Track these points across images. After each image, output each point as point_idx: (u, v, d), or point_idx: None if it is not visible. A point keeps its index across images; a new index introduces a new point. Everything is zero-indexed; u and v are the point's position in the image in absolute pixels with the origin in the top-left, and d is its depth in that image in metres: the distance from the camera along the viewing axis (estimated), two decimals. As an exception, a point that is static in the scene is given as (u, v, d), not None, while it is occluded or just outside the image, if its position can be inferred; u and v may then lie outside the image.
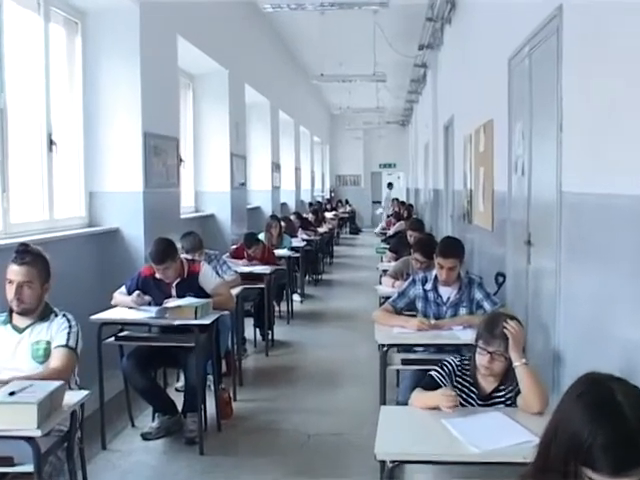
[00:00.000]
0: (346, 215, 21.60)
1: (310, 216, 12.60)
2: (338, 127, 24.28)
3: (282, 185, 13.20)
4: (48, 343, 2.98)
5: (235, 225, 8.63)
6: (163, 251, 4.24)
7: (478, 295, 3.90)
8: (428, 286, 3.96)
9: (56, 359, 2.92)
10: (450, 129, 10.66)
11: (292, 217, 10.54)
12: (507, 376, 2.68)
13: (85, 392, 2.84)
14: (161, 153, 6.07)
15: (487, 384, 2.73)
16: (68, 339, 2.98)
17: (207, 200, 8.57)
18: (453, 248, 3.94)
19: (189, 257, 4.92)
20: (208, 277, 4.46)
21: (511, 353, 2.64)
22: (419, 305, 4.00)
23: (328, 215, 16.29)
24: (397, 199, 20.05)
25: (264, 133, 11.75)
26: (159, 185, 6.01)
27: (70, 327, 3.02)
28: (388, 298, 4.17)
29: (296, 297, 9.18)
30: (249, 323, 6.77)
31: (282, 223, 8.66)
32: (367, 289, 8.51)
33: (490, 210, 6.47)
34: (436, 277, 3.94)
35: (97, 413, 4.10)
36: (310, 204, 16.89)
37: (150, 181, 5.79)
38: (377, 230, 14.00)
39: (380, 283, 5.66)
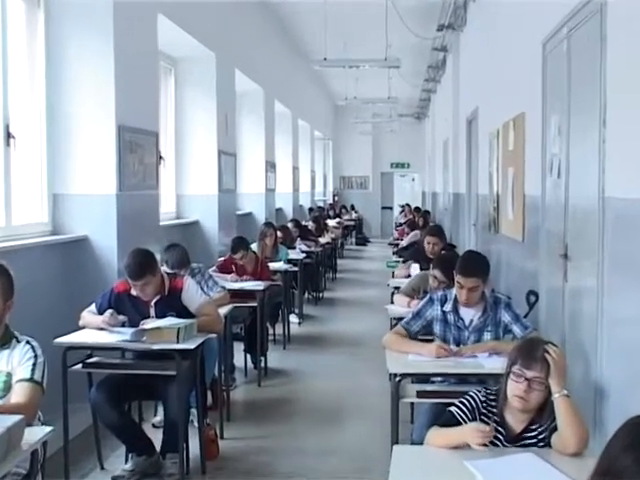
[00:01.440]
0: (352, 223, 21.66)
1: (310, 224, 12.64)
2: (343, 120, 24.38)
3: (278, 188, 13.23)
4: (9, 375, 2.95)
5: (223, 234, 8.65)
6: (141, 264, 4.24)
7: (506, 317, 3.90)
8: (448, 307, 3.97)
9: (19, 395, 2.87)
10: (474, 123, 10.69)
11: (289, 225, 10.57)
12: (542, 411, 2.68)
13: (48, 428, 2.82)
14: (138, 149, 6.09)
15: (517, 422, 2.73)
16: (33, 372, 2.93)
17: (191, 205, 8.59)
18: (475, 265, 3.94)
19: (169, 271, 4.93)
20: (192, 294, 4.47)
21: (551, 382, 2.65)
22: (437, 328, 4.00)
23: (331, 223, 16.32)
24: (409, 205, 20.14)
25: (257, 127, 11.80)
26: (135, 187, 6.02)
27: (35, 357, 2.99)
28: (401, 320, 4.17)
29: (293, 318, 9.18)
30: (239, 348, 6.76)
31: (278, 232, 8.68)
32: (376, 309, 8.50)
33: (520, 218, 6.48)
34: (456, 297, 3.95)
35: (61, 453, 4.09)
36: (310, 210, 16.92)
37: (125, 182, 5.81)
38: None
39: (392, 302, 5.66)
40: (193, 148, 8.63)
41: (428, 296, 4.10)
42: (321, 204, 20.92)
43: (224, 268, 6.86)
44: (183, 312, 4.39)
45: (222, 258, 7.20)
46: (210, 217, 8.60)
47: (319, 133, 20.71)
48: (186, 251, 5.46)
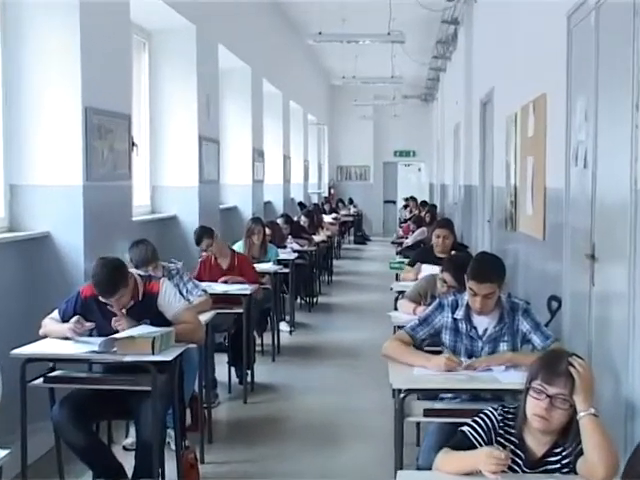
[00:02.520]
0: (350, 219, 21.66)
1: (303, 219, 12.62)
2: (340, 103, 24.40)
3: (266, 179, 13.22)
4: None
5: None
6: (113, 280, 4.22)
7: (524, 326, 3.90)
8: (459, 314, 3.97)
9: None
10: (489, 106, 10.70)
11: (279, 221, 10.55)
12: (567, 433, 2.68)
13: (3, 452, 2.82)
14: (107, 135, 6.06)
15: (538, 445, 2.73)
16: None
17: (167, 198, 8.57)
18: (490, 269, 3.94)
19: (142, 273, 4.92)
20: (169, 299, 4.46)
21: (576, 398, 2.64)
22: (446, 338, 4.00)
23: (326, 219, 16.31)
24: (414, 199, 20.12)
25: (243, 110, 11.78)
26: (104, 177, 6.01)
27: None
28: (406, 327, 4.17)
29: (284, 326, 9.18)
30: (222, 360, 6.75)
31: (266, 229, 8.67)
32: (378, 316, 8.48)
33: (541, 213, 6.49)
34: (469, 302, 3.95)
35: (19, 479, 4.06)
36: (302, 205, 16.90)
37: (92, 172, 5.79)
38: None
39: (395, 308, 5.66)
40: (170, 134, 8.61)
41: (437, 301, 4.10)
42: (315, 197, 20.91)
43: (201, 270, 6.86)
44: (159, 319, 4.38)
45: (202, 258, 7.19)
46: (190, 212, 8.58)
47: (313, 117, 20.70)
48: (152, 247, 5.43)
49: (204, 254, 7.02)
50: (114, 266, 4.27)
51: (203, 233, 6.97)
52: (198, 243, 6.93)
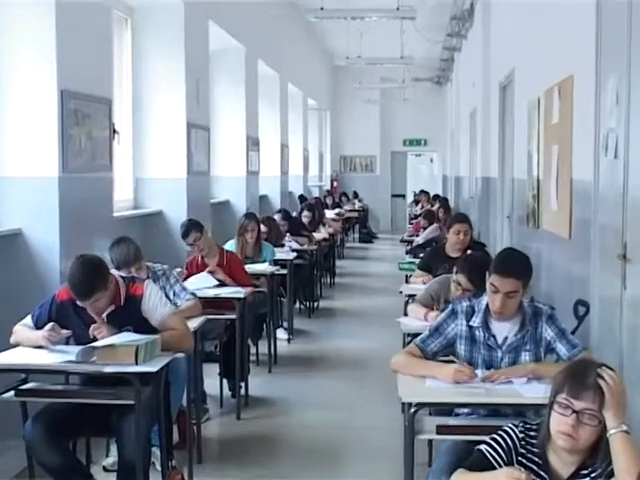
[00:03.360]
0: (354, 215, 21.65)
1: (305, 214, 12.57)
2: (344, 86, 24.38)
3: (262, 170, 13.22)
4: None
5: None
6: (89, 281, 4.20)
7: (548, 333, 3.90)
8: (476, 320, 3.96)
9: None
10: (509, 90, 10.69)
11: (276, 217, 10.54)
12: (595, 452, 2.67)
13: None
14: (86, 121, 6.06)
15: (563, 465, 2.73)
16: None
17: (152, 191, 8.57)
18: (516, 265, 3.94)
19: (125, 274, 4.92)
20: (154, 303, 4.46)
21: (606, 414, 2.64)
22: (461, 348, 3.99)
23: (328, 214, 16.30)
24: (426, 192, 20.10)
25: (236, 94, 11.77)
26: (82, 168, 6.00)
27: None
28: (417, 336, 4.16)
29: (281, 334, 9.17)
30: (212, 371, 6.76)
31: (262, 225, 8.66)
32: (386, 323, 8.47)
33: (567, 209, 6.48)
34: (487, 307, 3.94)
35: (-13, 503, 4.08)
36: (302, 198, 16.89)
37: (69, 162, 5.78)
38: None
39: (405, 314, 5.65)
40: (155, 120, 8.60)
41: (450, 307, 4.08)
42: (316, 191, 20.89)
43: (189, 270, 6.86)
44: (143, 325, 4.38)
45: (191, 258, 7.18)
46: (177, 207, 8.57)
47: (314, 102, 20.69)
48: (136, 246, 5.42)
49: (190, 249, 6.97)
50: (93, 265, 4.26)
51: (191, 226, 6.95)
52: (185, 236, 6.89)
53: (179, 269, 6.75)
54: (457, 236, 6.71)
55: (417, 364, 3.91)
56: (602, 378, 2.66)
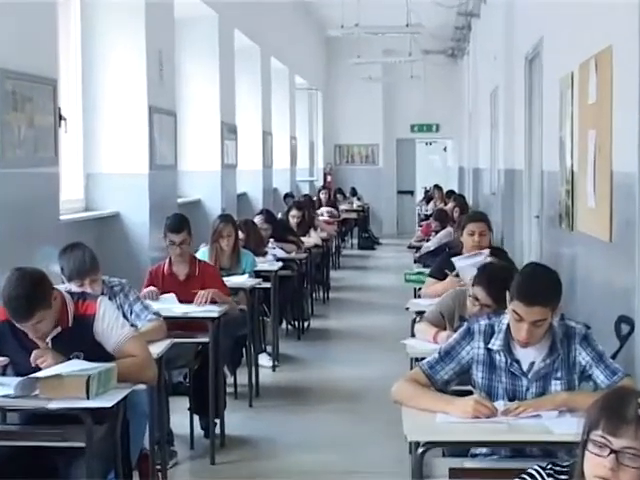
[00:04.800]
0: (352, 216, 21.63)
1: (293, 214, 12.49)
2: (339, 61, 24.36)
3: (240, 163, 13.22)
4: None
5: (157, 233, 8.60)
6: (28, 300, 4.18)
7: (583, 357, 3.91)
8: (496, 343, 3.96)
9: None
10: (536, 64, 10.71)
11: (257, 219, 10.53)
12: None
13: None
14: (26, 105, 6.07)
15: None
16: None
17: (107, 189, 8.58)
18: (543, 288, 3.90)
19: (75, 288, 4.92)
20: (109, 324, 4.46)
21: (654, 455, 2.64)
22: (478, 376, 4.00)
23: (322, 215, 16.31)
24: (439, 187, 20.10)
25: (208, 71, 11.78)
26: (22, 162, 6.01)
27: None
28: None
29: (264, 360, 9.15)
30: (181, 406, 6.76)
31: (240, 230, 8.64)
32: (390, 346, 8.50)
33: (607, 206, 6.49)
34: (509, 328, 3.95)
35: None
36: (289, 196, 16.88)
37: (5, 155, 5.79)
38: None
39: (413, 335, 5.66)
40: (110, 104, 8.62)
41: (465, 327, 4.09)
42: (306, 187, 20.89)
43: (152, 282, 6.83)
44: (96, 351, 4.38)
45: (154, 266, 7.15)
46: (137, 208, 8.59)
47: (303, 80, 20.71)
48: (93, 254, 5.40)
49: (173, 249, 6.89)
50: (33, 279, 4.25)
51: (185, 221, 6.94)
52: (176, 230, 6.83)
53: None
54: (471, 237, 6.69)
55: (423, 396, 3.90)
56: (647, 411, 2.66)
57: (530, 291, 3.85)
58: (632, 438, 2.64)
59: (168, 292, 6.70)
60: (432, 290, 6.65)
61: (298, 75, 19.82)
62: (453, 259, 6.55)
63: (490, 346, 3.97)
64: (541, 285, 3.92)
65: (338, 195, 22.35)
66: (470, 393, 3.99)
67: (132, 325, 5.14)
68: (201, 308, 6.54)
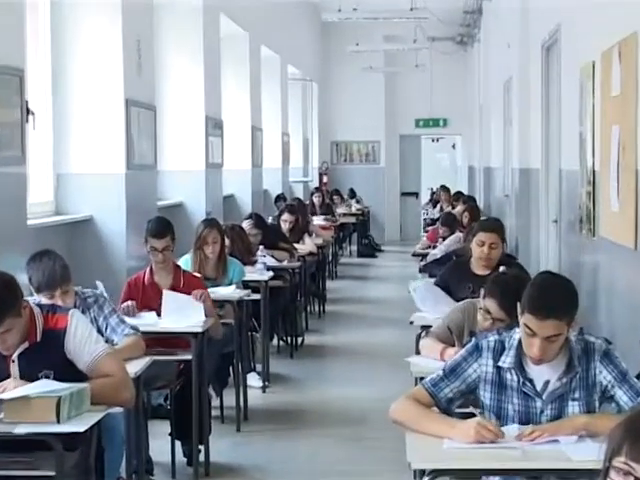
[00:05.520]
0: (351, 220, 21.59)
1: (286, 218, 12.48)
2: (336, 49, 24.38)
3: (227, 162, 13.21)
4: None
5: (135, 239, 8.60)
6: None
7: (604, 376, 3.91)
8: (506, 360, 3.97)
9: None
10: (554, 52, 10.73)
11: (246, 224, 10.53)
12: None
13: None
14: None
15: None
16: None
17: (79, 191, 8.58)
18: (558, 300, 3.90)
19: (45, 301, 4.92)
20: (82, 340, 4.45)
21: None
22: (486, 396, 4.02)
23: (317, 220, 16.29)
24: (447, 189, 20.08)
25: (191, 60, 11.76)
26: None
27: None
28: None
29: (253, 380, 9.14)
30: (161, 430, 6.76)
31: (226, 236, 8.64)
32: (392, 364, 8.50)
33: (632, 210, 6.51)
34: (521, 343, 3.96)
35: None
36: (281, 198, 16.87)
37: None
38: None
39: (418, 352, 5.67)
40: (82, 97, 8.61)
41: (473, 342, 4.10)
42: (300, 189, 20.86)
43: (129, 294, 6.84)
44: (67, 370, 4.37)
45: (133, 276, 7.16)
46: (113, 211, 8.58)
47: (296, 70, 20.71)
48: (64, 263, 5.41)
49: (155, 256, 6.90)
50: (2, 282, 4.26)
51: (168, 225, 7.00)
52: (159, 235, 6.88)
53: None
54: (480, 249, 6.65)
55: (424, 418, 3.90)
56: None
57: (543, 303, 3.85)
58: None
59: (149, 305, 6.72)
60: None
61: (291, 65, 19.81)
62: (419, 305, 6.58)
63: (500, 364, 3.98)
64: (555, 296, 3.91)
65: (335, 197, 22.24)
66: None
67: (107, 341, 5.14)
68: (183, 323, 6.52)
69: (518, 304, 3.94)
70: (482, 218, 12.13)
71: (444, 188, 20.31)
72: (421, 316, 6.66)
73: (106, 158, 8.62)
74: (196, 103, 11.79)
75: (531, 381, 3.95)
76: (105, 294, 5.89)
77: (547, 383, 3.94)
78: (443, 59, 24.37)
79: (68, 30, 8.53)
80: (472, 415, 3.94)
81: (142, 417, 5.65)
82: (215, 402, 7.84)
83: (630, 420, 2.81)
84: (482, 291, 5.12)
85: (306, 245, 12.60)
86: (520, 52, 13.25)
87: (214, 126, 12.39)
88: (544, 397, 3.93)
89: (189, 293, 6.84)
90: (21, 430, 4.04)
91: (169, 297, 6.63)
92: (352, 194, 23.94)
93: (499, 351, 4.00)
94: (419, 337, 5.94)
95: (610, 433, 2.79)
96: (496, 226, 7.04)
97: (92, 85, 8.59)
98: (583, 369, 3.93)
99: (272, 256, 10.33)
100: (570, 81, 9.32)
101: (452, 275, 6.84)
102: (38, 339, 4.39)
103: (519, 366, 3.95)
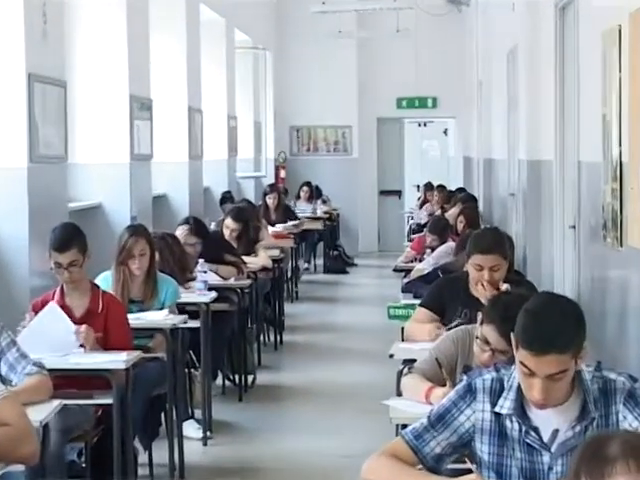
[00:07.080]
0: (317, 226, 21.59)
1: (229, 224, 12.49)
2: (296, 10, 24.53)
3: (157, 154, 13.23)
4: None
5: (40, 251, 8.59)
6: None
7: (630, 422, 3.93)
8: (505, 405, 4.00)
9: None
10: (570, 13, 10.79)
11: (181, 231, 10.54)
12: None
13: None
14: None
15: None
16: None
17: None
18: (557, 330, 3.87)
19: None
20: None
21: None
22: (482, 450, 4.05)
23: (272, 227, 16.32)
24: (442, 186, 20.19)
25: (111, 24, 11.78)
26: None
27: None
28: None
29: (192, 430, 9.16)
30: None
31: (155, 248, 8.63)
32: (366, 409, 8.53)
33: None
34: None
35: None
36: (227, 199, 16.89)
37: None
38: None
39: (399, 393, 5.70)
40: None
41: (465, 382, 4.12)
42: (251, 187, 20.92)
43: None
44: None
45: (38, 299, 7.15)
46: (11, 216, 8.60)
47: (245, 37, 20.78)
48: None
49: (62, 275, 6.90)
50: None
51: (75, 234, 7.01)
52: (62, 248, 6.87)
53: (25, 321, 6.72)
54: (478, 273, 6.64)
55: (402, 475, 3.90)
56: None
57: (539, 334, 3.84)
58: None
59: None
60: (417, 331, 6.70)
61: (239, 30, 19.86)
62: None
63: (498, 409, 3.99)
64: (553, 324, 3.88)
65: (297, 198, 22.18)
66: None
67: (4, 382, 5.13)
68: (103, 356, 6.52)
69: (512, 335, 3.93)
70: (481, 227, 12.19)
71: (439, 186, 20.36)
72: (404, 347, 6.67)
73: (2, 148, 8.61)
74: (117, 79, 11.79)
75: (536, 430, 3.96)
76: (-1, 322, 5.87)
77: (556, 432, 3.95)
78: (432, 23, 24.53)
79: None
80: (468, 472, 3.93)
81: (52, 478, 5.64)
82: (143, 458, 7.82)
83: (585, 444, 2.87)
84: (479, 316, 5.13)
85: (259, 258, 12.63)
86: (528, 15, 13.30)
87: (141, 108, 12.39)
88: (553, 450, 3.94)
89: (106, 321, 6.85)
90: None
91: (50, 313, 6.63)
92: (318, 193, 23.71)
93: (497, 393, 4.02)
94: (401, 374, 5.95)
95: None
96: (495, 244, 6.89)
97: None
98: (601, 414, 3.94)
99: (215, 272, 10.35)
100: (590, 50, 9.35)
101: (446, 291, 6.84)
102: None
103: (520, 412, 3.97)
